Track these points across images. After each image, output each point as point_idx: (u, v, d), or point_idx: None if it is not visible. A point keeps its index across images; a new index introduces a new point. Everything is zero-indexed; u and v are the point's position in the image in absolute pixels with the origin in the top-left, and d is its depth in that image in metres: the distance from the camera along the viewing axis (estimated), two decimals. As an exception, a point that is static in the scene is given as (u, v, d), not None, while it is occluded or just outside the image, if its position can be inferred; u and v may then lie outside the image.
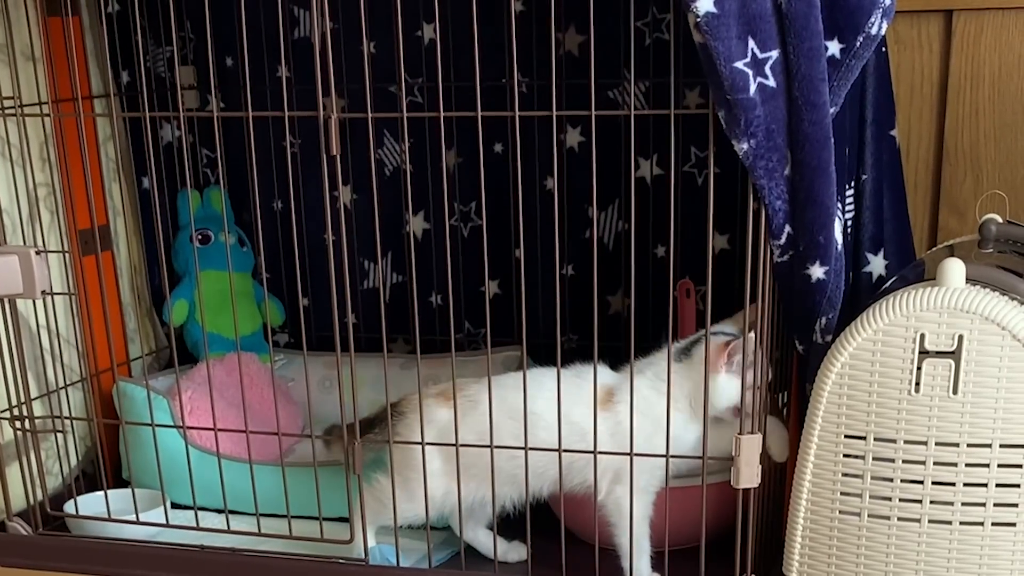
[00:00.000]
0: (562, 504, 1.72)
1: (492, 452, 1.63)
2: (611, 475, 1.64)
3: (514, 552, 1.76)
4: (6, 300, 1.81)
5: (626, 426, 1.59)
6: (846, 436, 1.48)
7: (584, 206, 2.08)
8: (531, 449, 1.62)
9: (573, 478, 1.67)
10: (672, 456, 1.59)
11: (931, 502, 1.46)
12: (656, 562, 1.66)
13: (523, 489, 1.67)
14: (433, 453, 1.69)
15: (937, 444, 1.44)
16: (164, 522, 1.85)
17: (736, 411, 1.58)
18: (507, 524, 1.75)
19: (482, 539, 1.78)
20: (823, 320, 1.54)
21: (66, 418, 1.92)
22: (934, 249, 1.71)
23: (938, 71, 2.00)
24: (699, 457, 1.58)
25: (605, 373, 1.66)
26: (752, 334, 1.52)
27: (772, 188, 1.45)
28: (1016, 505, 1.43)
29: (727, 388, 1.60)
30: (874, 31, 1.44)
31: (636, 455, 1.59)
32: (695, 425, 1.60)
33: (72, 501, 1.91)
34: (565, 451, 1.61)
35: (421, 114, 2.00)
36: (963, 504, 1.45)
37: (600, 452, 1.60)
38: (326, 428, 1.85)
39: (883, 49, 1.67)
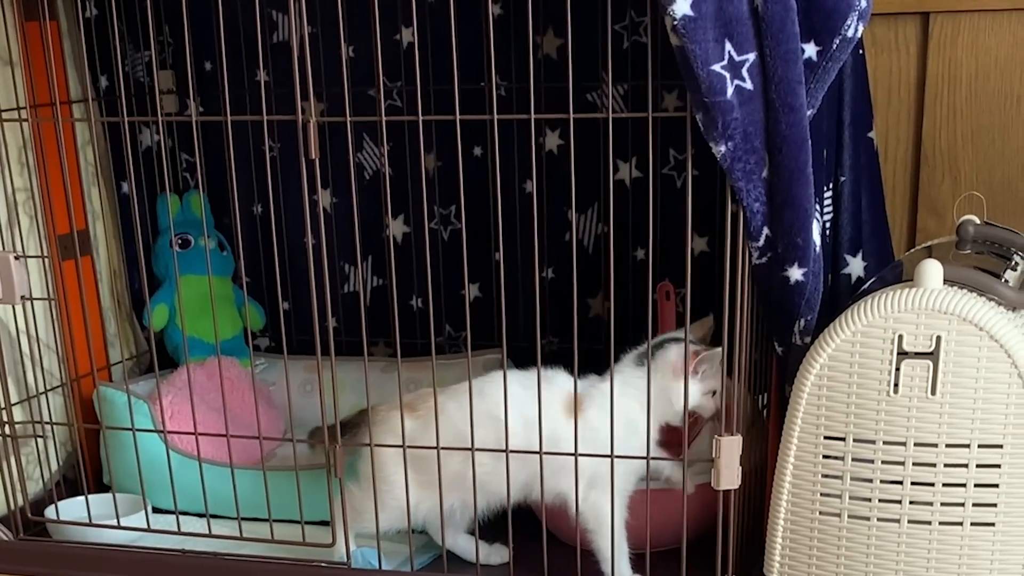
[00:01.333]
0: (543, 506, 1.72)
1: (473, 455, 1.63)
2: (585, 480, 1.63)
3: (496, 555, 1.76)
4: (-15, 305, 1.81)
5: (596, 430, 1.60)
6: (825, 437, 1.49)
7: (564, 209, 2.08)
8: (478, 450, 1.62)
9: (546, 488, 1.66)
10: (627, 456, 1.60)
11: (910, 502, 1.46)
12: (637, 564, 1.66)
13: (490, 497, 1.68)
14: (399, 464, 1.69)
15: (916, 445, 1.45)
16: (145, 527, 1.84)
17: (691, 415, 1.61)
18: (489, 527, 1.75)
19: (463, 544, 1.77)
20: (802, 322, 1.54)
21: (46, 423, 1.92)
22: (912, 250, 1.72)
23: (915, 73, 2.01)
24: (680, 459, 1.58)
25: (570, 382, 1.65)
26: (719, 349, 1.54)
27: (750, 190, 1.46)
28: (995, 505, 1.44)
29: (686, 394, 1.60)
30: (850, 33, 1.44)
31: (581, 455, 1.60)
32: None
33: (53, 506, 1.90)
34: (513, 452, 1.61)
35: (400, 118, 1.99)
36: (942, 504, 1.45)
37: (577, 454, 1.60)
38: (310, 431, 1.84)
39: (860, 51, 1.68)
